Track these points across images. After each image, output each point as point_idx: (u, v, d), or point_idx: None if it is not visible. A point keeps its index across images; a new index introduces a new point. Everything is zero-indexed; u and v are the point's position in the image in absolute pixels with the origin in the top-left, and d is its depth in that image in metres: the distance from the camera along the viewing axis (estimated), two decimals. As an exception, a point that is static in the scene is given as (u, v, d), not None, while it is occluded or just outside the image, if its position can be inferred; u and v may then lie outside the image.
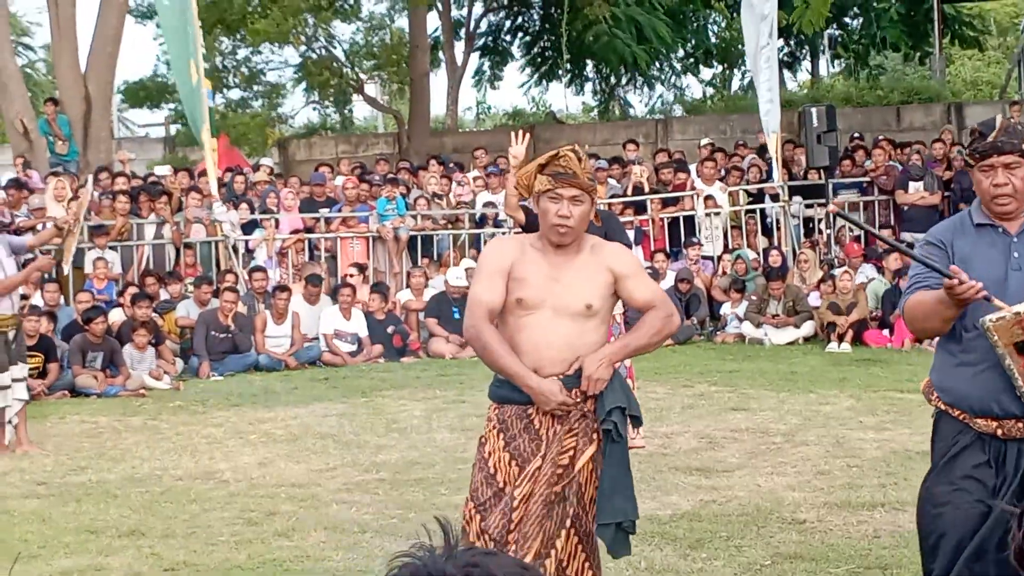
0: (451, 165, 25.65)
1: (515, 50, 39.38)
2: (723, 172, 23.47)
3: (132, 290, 18.99)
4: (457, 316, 19.89)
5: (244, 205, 21.67)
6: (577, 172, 5.80)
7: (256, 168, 25.27)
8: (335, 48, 35.66)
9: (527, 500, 5.72)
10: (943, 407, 5.53)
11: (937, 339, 5.70)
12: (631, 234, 22.27)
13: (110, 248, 20.39)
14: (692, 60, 41.32)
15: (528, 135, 12.02)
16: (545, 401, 5.78)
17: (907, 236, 20.81)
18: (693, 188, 22.76)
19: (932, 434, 5.63)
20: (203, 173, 22.17)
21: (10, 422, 12.79)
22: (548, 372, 5.80)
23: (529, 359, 5.80)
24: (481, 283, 5.92)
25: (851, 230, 22.60)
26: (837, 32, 39.47)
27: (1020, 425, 5.32)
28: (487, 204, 22.76)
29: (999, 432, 5.34)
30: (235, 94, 36.49)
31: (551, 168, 5.84)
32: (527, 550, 5.65)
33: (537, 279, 5.84)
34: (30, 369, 16.45)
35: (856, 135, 26.40)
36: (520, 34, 39.04)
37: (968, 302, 5.19)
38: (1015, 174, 5.42)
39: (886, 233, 19.59)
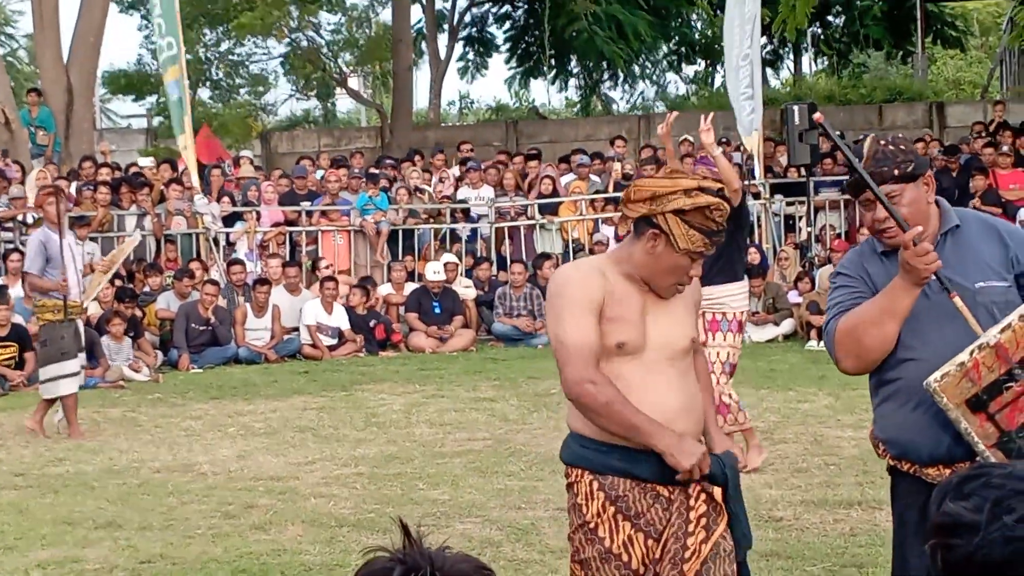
0: (438, 158, 25.50)
1: (499, 40, 39.47)
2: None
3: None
4: (438, 311, 19.90)
5: (225, 198, 21.64)
6: (725, 224, 4.81)
7: (237, 162, 25.20)
8: (319, 40, 35.62)
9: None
10: (892, 463, 5.01)
11: (871, 377, 5.05)
12: (610, 231, 22.33)
13: (90, 239, 20.32)
14: (675, 57, 41.39)
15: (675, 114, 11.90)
16: (688, 457, 4.78)
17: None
18: (675, 185, 22.75)
19: (891, 490, 5.15)
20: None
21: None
22: (679, 417, 4.90)
23: (657, 394, 4.86)
24: (571, 323, 4.82)
25: (833, 228, 22.64)
26: (820, 30, 39.54)
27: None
28: (460, 201, 22.81)
29: None
30: (218, 86, 36.44)
31: (703, 222, 4.74)
32: None
33: (634, 317, 4.86)
34: (6, 359, 16.49)
35: (838, 133, 26.39)
36: (504, 24, 39.08)
37: (925, 275, 4.65)
38: (896, 204, 4.81)
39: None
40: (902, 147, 4.93)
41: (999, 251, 4.93)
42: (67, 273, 13.04)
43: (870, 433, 5.21)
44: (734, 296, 10.85)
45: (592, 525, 4.90)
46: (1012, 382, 4.63)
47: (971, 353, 4.58)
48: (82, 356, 13.34)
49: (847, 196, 22.79)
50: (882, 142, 4.94)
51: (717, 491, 4.91)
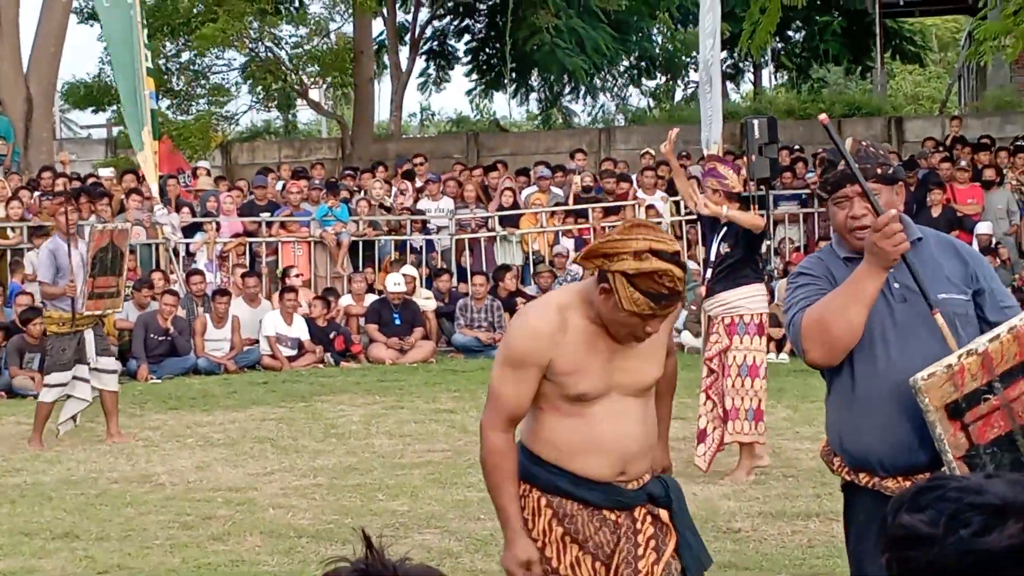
0: (403, 169, 25.39)
1: (460, 53, 39.50)
2: (663, 180, 23.55)
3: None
4: (398, 322, 19.89)
5: (185, 208, 21.60)
6: (681, 290, 4.60)
7: (195, 173, 25.14)
8: (280, 51, 35.56)
9: None
10: (848, 477, 4.95)
11: (827, 394, 5.05)
12: (570, 243, 22.37)
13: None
14: (635, 71, 41.51)
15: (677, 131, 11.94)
16: (512, 564, 4.86)
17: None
18: (635, 198, 22.83)
19: (844, 509, 5.11)
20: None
21: (73, 418, 13.48)
22: (636, 473, 4.88)
23: (610, 459, 4.81)
24: (505, 377, 4.82)
25: (792, 241, 22.73)
26: (780, 45, 39.71)
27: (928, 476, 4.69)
28: (420, 212, 22.84)
29: None
30: (179, 97, 36.32)
31: (650, 286, 4.53)
32: None
33: (595, 365, 4.75)
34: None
35: (796, 147, 26.52)
36: (466, 36, 39.14)
37: (893, 256, 4.61)
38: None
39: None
40: (882, 151, 4.98)
41: (959, 267, 4.95)
42: (76, 282, 13.06)
43: (822, 449, 5.18)
44: (751, 298, 10.89)
45: (539, 544, 4.88)
46: (990, 394, 4.60)
47: (959, 357, 4.55)
48: (79, 368, 13.24)
49: (807, 209, 22.94)
50: (864, 143, 4.96)
51: (663, 513, 4.91)
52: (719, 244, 10.95)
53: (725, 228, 10.88)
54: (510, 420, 4.83)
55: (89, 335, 13.32)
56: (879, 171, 4.84)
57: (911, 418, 4.65)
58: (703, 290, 11.38)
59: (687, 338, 19.91)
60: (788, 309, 4.99)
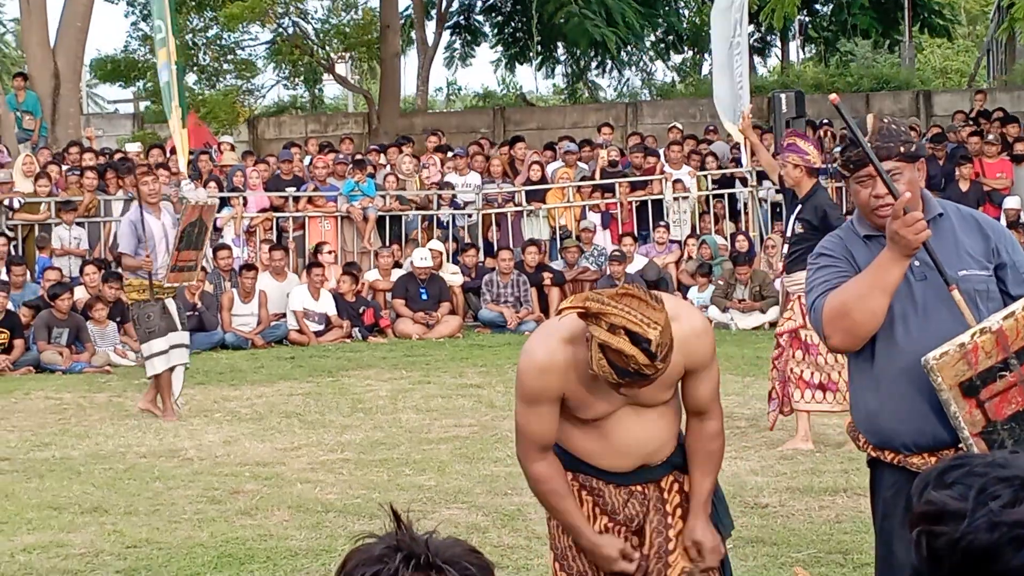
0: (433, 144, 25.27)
1: (487, 29, 39.42)
2: (691, 156, 23.47)
3: (90, 268, 18.91)
4: (424, 297, 19.90)
5: (212, 183, 21.62)
6: (649, 374, 4.43)
7: (220, 148, 25.15)
8: (307, 25, 35.57)
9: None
10: (874, 454, 4.99)
11: (848, 367, 5.12)
12: (597, 217, 22.34)
13: (77, 224, 20.32)
14: (662, 45, 41.38)
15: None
16: (602, 564, 4.90)
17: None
18: (662, 172, 22.78)
19: (870, 484, 5.16)
20: (174, 150, 22.11)
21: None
22: (659, 458, 4.91)
23: (630, 459, 4.86)
24: (525, 413, 4.84)
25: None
26: (807, 18, 39.54)
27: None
28: (444, 186, 22.80)
29: None
30: (205, 71, 36.35)
31: (618, 359, 4.40)
32: None
33: (601, 395, 4.72)
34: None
35: (824, 121, 26.44)
36: (492, 13, 39.06)
37: (915, 244, 4.62)
38: (898, 181, 4.78)
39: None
40: (903, 128, 4.94)
41: (980, 242, 4.94)
42: (156, 252, 13.11)
43: (848, 424, 5.20)
44: None
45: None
46: (1006, 371, 4.61)
47: (972, 336, 4.56)
48: (173, 335, 13.27)
49: (836, 184, 22.85)
50: (885, 119, 4.94)
51: (688, 480, 4.95)
52: (794, 222, 10.91)
53: (800, 206, 10.82)
54: (542, 449, 4.86)
55: (171, 303, 13.37)
56: (901, 149, 4.82)
57: (933, 396, 4.65)
58: (780, 266, 11.40)
59: (714, 313, 19.87)
60: (810, 291, 4.99)
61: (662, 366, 4.40)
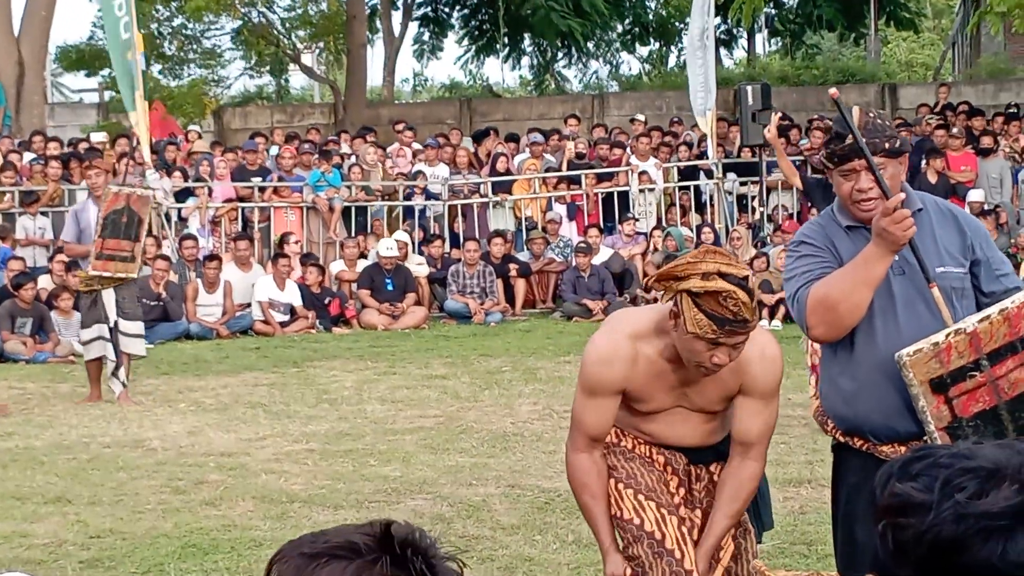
0: (402, 132, 25.17)
1: (454, 20, 39.39)
2: (658, 148, 23.49)
3: (62, 256, 18.82)
4: (390, 287, 19.87)
5: (177, 173, 21.55)
6: (748, 318, 4.53)
7: (187, 137, 25.08)
8: (272, 15, 35.49)
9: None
10: (842, 439, 5.02)
11: (820, 356, 5.20)
12: (563, 209, 22.35)
13: (41, 214, 20.22)
14: (629, 37, 41.42)
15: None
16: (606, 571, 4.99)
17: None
18: (628, 164, 22.80)
19: (833, 470, 5.19)
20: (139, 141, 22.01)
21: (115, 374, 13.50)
22: (679, 445, 5.01)
23: (675, 448, 5.00)
24: (584, 403, 4.90)
25: (785, 208, 22.74)
26: (774, 11, 39.64)
27: None
28: (417, 175, 22.77)
29: None
30: (170, 61, 36.24)
31: (715, 307, 4.48)
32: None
33: (661, 392, 4.85)
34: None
35: (779, 114, 26.43)
36: (458, 5, 39.03)
37: (902, 240, 4.66)
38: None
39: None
40: (888, 123, 4.96)
41: (957, 238, 4.97)
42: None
43: (814, 409, 5.24)
44: None
45: (630, 453, 5.04)
46: (977, 372, 4.68)
47: (947, 335, 4.62)
48: (99, 327, 13.43)
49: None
50: (871, 114, 4.94)
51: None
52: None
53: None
54: (592, 441, 4.92)
55: (108, 295, 13.36)
56: (887, 145, 4.83)
57: (907, 390, 4.70)
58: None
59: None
60: (790, 279, 5.00)
61: (755, 318, 4.52)
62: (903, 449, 4.71)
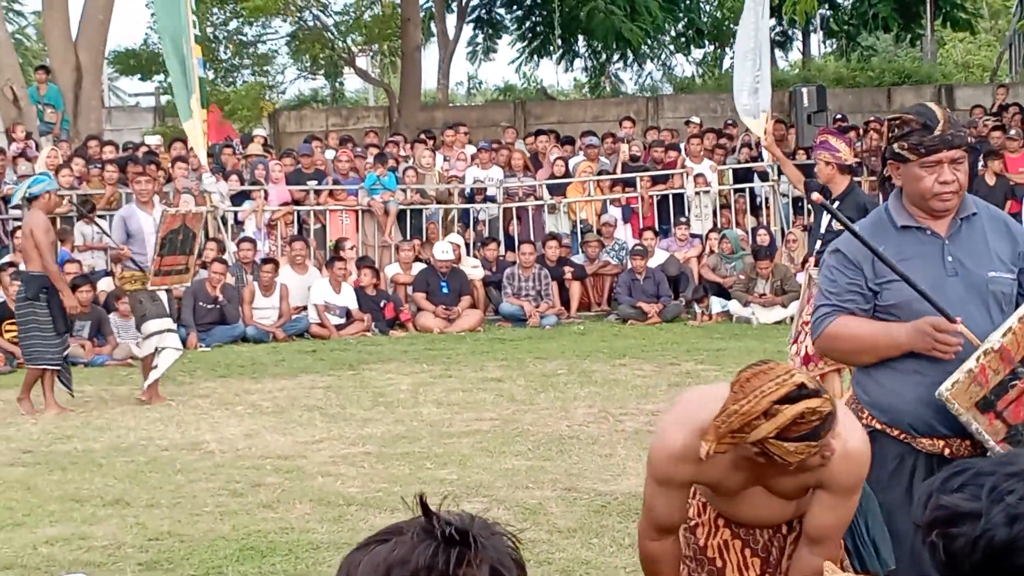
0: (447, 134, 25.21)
1: (508, 23, 39.38)
2: (713, 150, 23.43)
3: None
4: (445, 290, 19.90)
5: (234, 176, 21.65)
6: (831, 410, 4.14)
7: (249, 140, 25.18)
8: (327, 18, 35.60)
9: None
10: (879, 427, 5.00)
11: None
12: (618, 212, 22.31)
13: (98, 217, 20.33)
14: (683, 39, 41.32)
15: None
16: None
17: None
18: (683, 166, 22.75)
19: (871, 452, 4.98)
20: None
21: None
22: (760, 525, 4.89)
23: (739, 518, 4.87)
24: (654, 492, 4.67)
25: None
26: (829, 12, 39.46)
27: (967, 443, 4.87)
28: (475, 180, 22.77)
29: (947, 452, 4.89)
30: (223, 66, 36.41)
31: (800, 430, 4.11)
32: None
33: (736, 484, 4.61)
34: (14, 337, 16.55)
35: (838, 116, 26.35)
36: (513, 7, 39.03)
37: (940, 357, 4.71)
38: (959, 169, 4.87)
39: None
40: (961, 121, 5.09)
41: (1008, 244, 5.00)
42: (146, 246, 13.83)
43: (850, 397, 5.23)
44: None
45: (692, 523, 4.95)
46: (1016, 380, 4.77)
47: (977, 359, 4.70)
48: (166, 320, 14.08)
49: (856, 178, 22.79)
50: (947, 110, 5.02)
51: None
52: (831, 219, 10.89)
53: (837, 203, 10.79)
54: (663, 530, 4.74)
55: (162, 294, 14.06)
56: (969, 140, 4.94)
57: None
58: (812, 260, 11.40)
59: (735, 307, 19.87)
60: (818, 295, 5.13)
61: (832, 404, 4.15)
62: (941, 443, 4.93)
